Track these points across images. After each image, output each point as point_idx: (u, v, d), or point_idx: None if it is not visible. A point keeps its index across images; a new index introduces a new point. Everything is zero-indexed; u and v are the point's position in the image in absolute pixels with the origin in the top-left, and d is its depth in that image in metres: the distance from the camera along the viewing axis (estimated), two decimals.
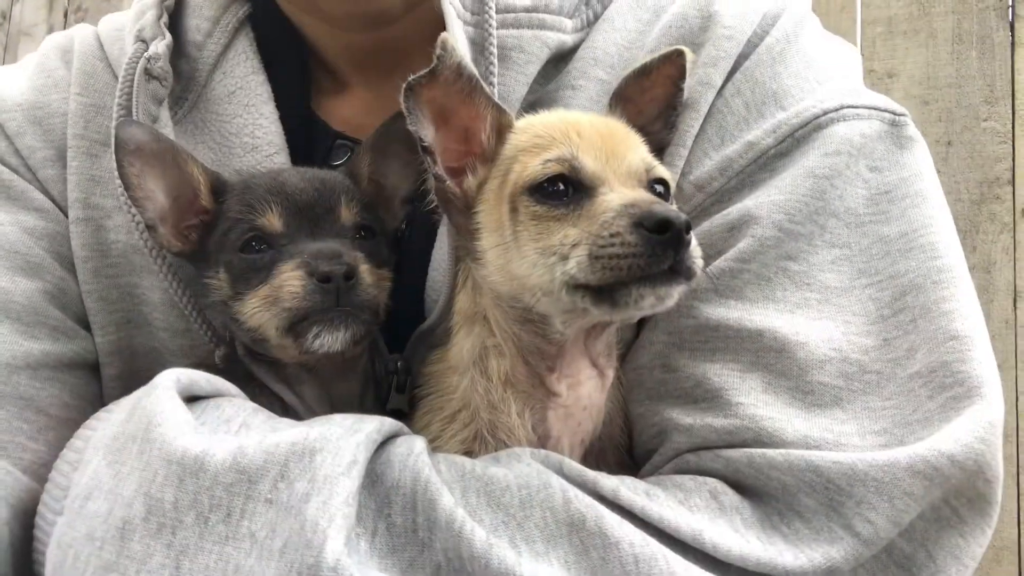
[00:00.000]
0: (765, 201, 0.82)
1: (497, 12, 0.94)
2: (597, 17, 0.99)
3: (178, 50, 1.01)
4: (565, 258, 0.73)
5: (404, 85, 0.79)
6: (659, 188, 0.81)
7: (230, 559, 0.64)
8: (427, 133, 0.81)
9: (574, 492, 0.70)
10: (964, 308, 0.77)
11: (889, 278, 0.79)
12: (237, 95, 1.02)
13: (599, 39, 0.96)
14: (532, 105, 0.94)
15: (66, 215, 0.99)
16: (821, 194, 0.81)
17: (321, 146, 1.06)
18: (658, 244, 0.69)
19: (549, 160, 0.77)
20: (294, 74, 1.07)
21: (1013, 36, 1.89)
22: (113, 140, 0.92)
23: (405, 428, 0.77)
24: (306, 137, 1.05)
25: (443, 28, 1.00)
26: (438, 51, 0.77)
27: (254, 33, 1.06)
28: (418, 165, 0.96)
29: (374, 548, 0.66)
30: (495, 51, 0.91)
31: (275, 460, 0.67)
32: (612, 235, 0.70)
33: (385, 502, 0.68)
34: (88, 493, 0.70)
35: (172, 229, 0.92)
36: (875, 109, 0.85)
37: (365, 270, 0.86)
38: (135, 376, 1.00)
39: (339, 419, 0.73)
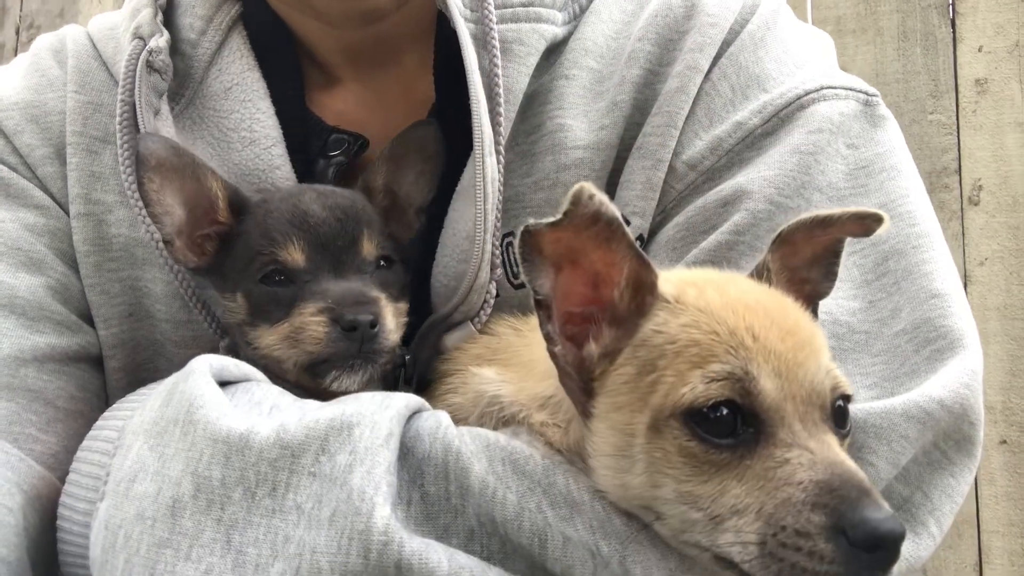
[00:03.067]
0: (756, 177, 0.86)
1: (495, 8, 0.97)
2: (583, 10, 1.03)
3: (172, 47, 1.02)
4: (721, 523, 0.59)
5: (521, 230, 0.63)
6: (840, 404, 0.66)
7: (279, 530, 0.66)
8: (544, 283, 0.66)
9: None
10: (942, 268, 0.83)
11: (871, 245, 0.85)
12: (233, 91, 1.03)
13: (588, 31, 1.00)
14: (529, 98, 0.97)
15: (66, 211, 0.99)
16: (806, 169, 0.86)
17: (317, 140, 1.07)
18: (862, 562, 0.54)
19: (715, 379, 0.60)
20: (287, 70, 1.09)
21: (955, 32, 1.99)
22: (122, 154, 0.92)
23: (427, 404, 0.79)
24: (302, 131, 1.07)
25: (434, 21, 1.03)
26: (568, 205, 0.61)
27: (246, 31, 1.08)
28: (432, 175, 0.98)
29: (410, 516, 0.68)
30: (498, 45, 0.94)
31: (316, 435, 0.69)
32: (799, 532, 0.55)
33: (418, 473, 0.70)
34: (133, 476, 0.71)
35: (187, 240, 0.92)
36: (851, 90, 0.91)
37: (388, 313, 0.86)
38: (138, 368, 1.02)
39: (368, 396, 0.75)
